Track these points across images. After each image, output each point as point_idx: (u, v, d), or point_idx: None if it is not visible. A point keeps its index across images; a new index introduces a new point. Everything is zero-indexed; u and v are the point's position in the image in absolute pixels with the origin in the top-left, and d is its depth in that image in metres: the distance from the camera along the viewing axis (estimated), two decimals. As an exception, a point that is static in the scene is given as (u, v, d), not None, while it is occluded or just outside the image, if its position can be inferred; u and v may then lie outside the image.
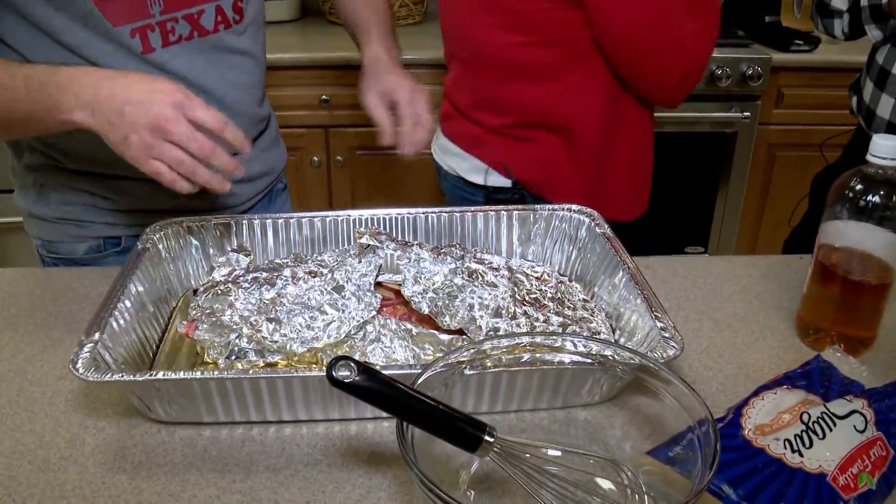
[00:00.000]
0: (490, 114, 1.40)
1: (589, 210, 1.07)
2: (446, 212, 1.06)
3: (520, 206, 1.08)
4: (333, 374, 0.61)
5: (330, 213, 1.05)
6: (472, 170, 1.46)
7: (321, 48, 2.40)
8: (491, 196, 1.45)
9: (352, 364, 0.61)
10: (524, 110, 1.37)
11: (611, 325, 0.92)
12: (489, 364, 0.73)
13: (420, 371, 0.68)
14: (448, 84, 1.54)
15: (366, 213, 1.05)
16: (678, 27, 1.22)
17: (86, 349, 0.74)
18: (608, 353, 0.73)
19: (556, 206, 1.07)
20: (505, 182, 1.42)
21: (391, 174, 2.49)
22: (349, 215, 1.05)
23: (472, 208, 1.07)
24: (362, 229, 0.98)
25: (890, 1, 1.29)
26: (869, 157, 0.90)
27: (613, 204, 1.39)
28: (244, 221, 1.04)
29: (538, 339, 0.75)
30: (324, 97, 2.36)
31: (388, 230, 1.04)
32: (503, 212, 1.07)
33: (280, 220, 1.04)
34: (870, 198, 0.90)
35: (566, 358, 0.75)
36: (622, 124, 1.36)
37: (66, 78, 0.87)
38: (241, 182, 1.22)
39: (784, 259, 1.18)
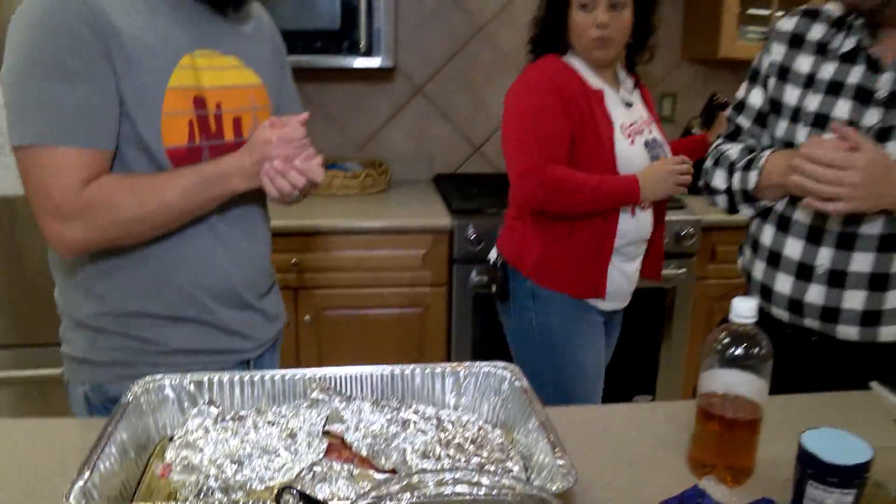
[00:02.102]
0: None
1: (512, 366, 1.25)
2: (387, 370, 1.24)
3: (452, 364, 1.26)
4: (280, 501, 0.77)
5: (288, 371, 1.22)
6: None
7: (292, 216, 2.63)
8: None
9: (295, 491, 0.77)
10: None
11: (524, 465, 1.09)
12: (413, 495, 0.89)
13: (354, 499, 0.84)
14: None
15: (318, 371, 1.22)
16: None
17: (77, 486, 0.90)
18: (516, 487, 0.89)
19: (484, 364, 1.26)
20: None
21: (356, 332, 2.67)
22: (304, 374, 1.22)
23: (411, 367, 1.25)
24: (314, 385, 1.15)
25: (755, 188, 1.53)
26: (731, 318, 1.10)
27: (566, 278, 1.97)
28: (215, 378, 1.21)
29: (457, 475, 0.91)
30: (294, 261, 2.57)
31: (337, 386, 1.21)
32: (437, 368, 1.25)
33: (245, 378, 1.21)
34: (734, 350, 1.10)
35: (480, 491, 0.91)
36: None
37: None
38: (263, 320, 1.53)
39: (683, 404, 1.35)
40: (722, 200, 1.62)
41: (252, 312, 1.50)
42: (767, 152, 1.51)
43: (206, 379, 1.20)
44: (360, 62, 2.69)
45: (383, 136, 3.17)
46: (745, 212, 1.60)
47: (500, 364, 1.26)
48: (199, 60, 1.34)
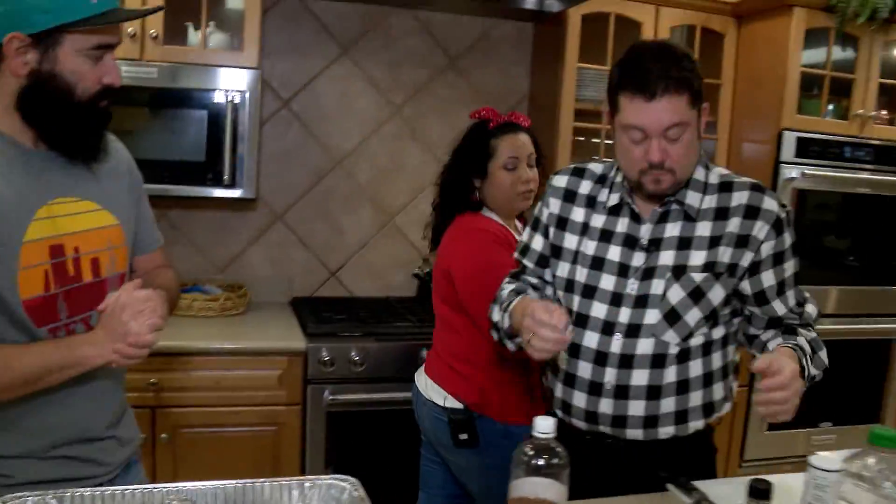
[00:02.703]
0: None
1: (352, 479, 1.43)
2: (240, 484, 1.39)
3: (298, 477, 1.43)
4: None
5: (148, 486, 1.35)
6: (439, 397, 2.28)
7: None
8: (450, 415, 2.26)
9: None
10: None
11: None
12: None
13: None
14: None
15: (176, 485, 1.36)
16: None
17: None
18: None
19: (326, 477, 1.43)
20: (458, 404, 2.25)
21: (213, 450, 2.75)
22: (163, 488, 1.35)
23: (261, 480, 1.41)
24: (172, 497, 1.29)
25: (510, 328, 1.77)
26: (534, 433, 1.33)
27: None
28: (77, 494, 1.32)
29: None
30: (152, 380, 2.66)
31: (194, 499, 1.35)
32: (284, 481, 1.41)
33: (108, 493, 1.33)
34: (537, 461, 1.32)
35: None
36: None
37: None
38: (116, 445, 1.62)
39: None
40: (495, 334, 1.87)
41: (106, 441, 1.60)
42: (518, 298, 1.76)
43: (68, 495, 1.31)
44: (224, 193, 2.88)
45: (244, 260, 3.33)
46: (510, 346, 1.83)
47: (341, 477, 1.44)
48: (55, 208, 1.47)
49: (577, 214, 1.79)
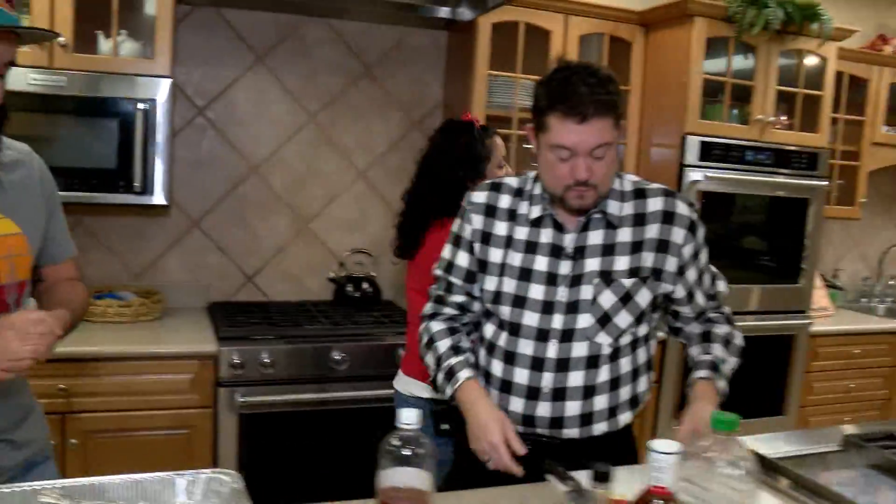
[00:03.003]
0: None
1: (232, 472, 1.48)
2: (124, 479, 1.42)
3: (180, 472, 1.47)
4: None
5: (24, 484, 1.38)
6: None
7: (62, 343, 2.74)
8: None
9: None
10: None
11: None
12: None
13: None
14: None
15: (54, 483, 1.39)
16: None
17: None
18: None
19: (209, 471, 1.47)
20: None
21: (124, 455, 2.76)
22: (43, 485, 1.38)
23: (144, 475, 1.44)
24: (46, 493, 1.33)
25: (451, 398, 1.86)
26: (397, 424, 1.39)
27: None
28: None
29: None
30: (61, 386, 2.66)
31: (75, 495, 1.39)
32: (167, 475, 1.46)
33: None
34: (403, 451, 1.38)
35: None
36: None
37: None
38: (9, 448, 1.63)
39: None
40: (432, 381, 1.94)
41: None
42: (463, 376, 1.81)
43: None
44: (136, 199, 2.89)
45: (160, 266, 3.35)
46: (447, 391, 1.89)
47: (222, 471, 1.48)
48: None
49: (500, 228, 1.84)
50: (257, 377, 2.83)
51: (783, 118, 3.66)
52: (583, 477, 1.47)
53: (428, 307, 1.99)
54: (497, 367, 1.84)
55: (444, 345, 1.90)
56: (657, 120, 3.51)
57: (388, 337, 3.03)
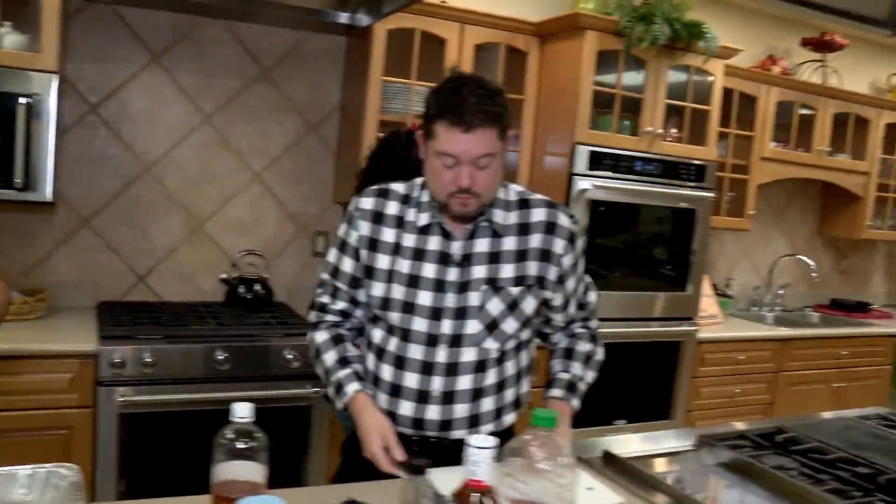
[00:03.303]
0: None
1: (72, 466, 1.48)
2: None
3: (20, 467, 1.47)
4: None
5: None
6: None
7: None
8: None
9: None
10: None
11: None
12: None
13: None
14: None
15: None
16: None
17: None
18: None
19: (50, 465, 1.47)
20: None
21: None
22: None
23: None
24: None
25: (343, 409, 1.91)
26: (232, 418, 1.41)
27: None
28: None
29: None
30: None
31: None
32: (5, 470, 1.45)
33: None
34: (237, 444, 1.41)
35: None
36: None
37: None
38: None
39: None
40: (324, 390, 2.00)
41: None
42: (351, 391, 1.86)
43: None
44: (18, 196, 2.84)
45: (49, 265, 3.29)
46: (338, 404, 1.92)
47: (63, 465, 1.49)
48: None
49: (388, 235, 1.87)
50: (139, 377, 2.80)
51: (673, 131, 3.78)
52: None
53: (312, 315, 2.01)
54: (387, 372, 1.88)
55: (330, 357, 1.93)
56: (550, 129, 3.60)
57: (274, 339, 3.03)
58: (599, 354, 2.04)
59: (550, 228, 1.87)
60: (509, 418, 1.93)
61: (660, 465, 2.03)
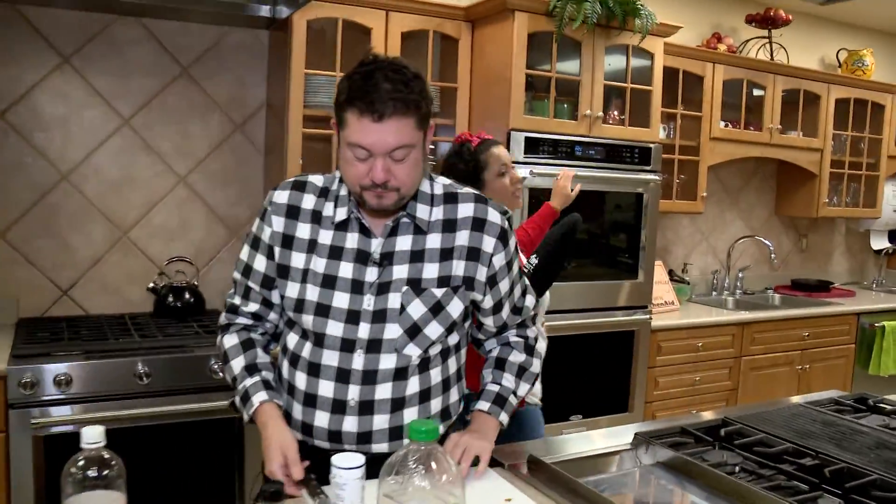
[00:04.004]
0: None
1: None
2: None
3: None
4: None
5: None
6: None
7: None
8: None
9: None
10: None
11: None
12: None
13: None
14: None
15: None
16: None
17: None
18: None
19: None
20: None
21: None
22: None
23: None
24: None
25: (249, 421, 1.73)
26: (83, 445, 1.26)
27: None
28: None
29: None
30: None
31: None
32: None
33: None
34: (90, 473, 1.26)
35: None
36: None
37: None
38: None
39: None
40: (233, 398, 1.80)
41: None
42: (257, 401, 1.69)
43: None
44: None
45: (-37, 283, 3.13)
46: (245, 416, 1.74)
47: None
48: None
49: (303, 231, 1.71)
50: (55, 396, 2.64)
51: (615, 113, 3.66)
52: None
53: (222, 318, 1.85)
54: (301, 380, 1.72)
55: (238, 364, 1.77)
56: (486, 117, 3.47)
57: (200, 349, 2.87)
58: (535, 366, 1.90)
59: (479, 225, 1.72)
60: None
61: (593, 468, 1.86)
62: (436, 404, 1.76)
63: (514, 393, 1.84)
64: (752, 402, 4.11)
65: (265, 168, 3.55)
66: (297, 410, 1.73)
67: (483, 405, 1.80)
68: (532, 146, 3.36)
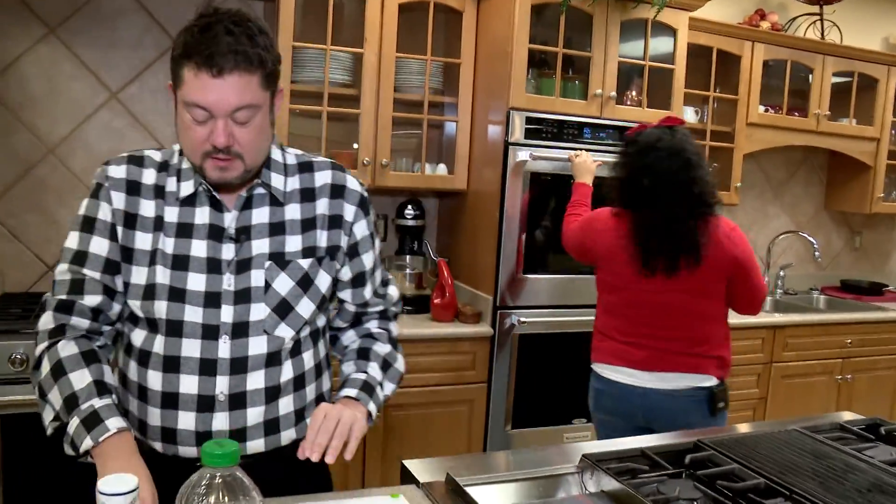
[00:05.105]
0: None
1: None
2: None
3: None
4: None
5: None
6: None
7: None
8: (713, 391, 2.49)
9: None
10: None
11: None
12: None
13: None
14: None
15: None
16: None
17: None
18: None
19: None
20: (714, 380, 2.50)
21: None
22: None
23: None
24: None
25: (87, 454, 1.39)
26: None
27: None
28: None
29: None
30: None
31: None
32: None
33: None
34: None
35: None
36: None
37: None
38: None
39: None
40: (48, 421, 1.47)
41: None
42: (114, 426, 1.37)
43: None
44: None
45: (-52, 256, 3.09)
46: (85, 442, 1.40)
47: None
48: None
49: (147, 208, 1.53)
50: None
51: (633, 94, 3.39)
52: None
53: (47, 319, 1.51)
54: (156, 379, 1.51)
55: (81, 379, 1.44)
56: (488, 95, 3.24)
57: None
58: (400, 364, 1.73)
59: (338, 192, 1.61)
60: None
61: (525, 494, 1.61)
62: (311, 391, 1.62)
63: (381, 385, 1.65)
64: (783, 412, 3.81)
65: (259, 146, 3.40)
66: (155, 415, 1.52)
67: (350, 391, 1.59)
68: (534, 127, 3.11)
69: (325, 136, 3.11)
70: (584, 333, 3.30)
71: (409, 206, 3.44)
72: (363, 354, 1.69)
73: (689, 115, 3.77)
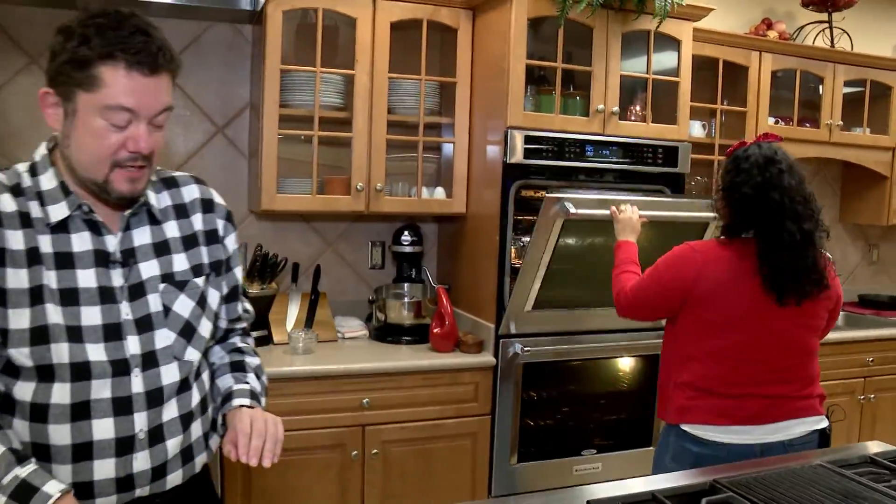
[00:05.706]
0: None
1: None
2: None
3: None
4: None
5: None
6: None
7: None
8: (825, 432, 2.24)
9: None
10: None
11: None
12: None
13: None
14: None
15: None
16: None
17: None
18: None
19: None
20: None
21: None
22: None
23: None
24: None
25: None
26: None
27: None
28: None
29: None
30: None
31: None
32: None
33: None
34: None
35: None
36: None
37: None
38: None
39: None
40: None
41: None
42: (56, 490, 1.26)
43: None
44: None
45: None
46: None
47: None
48: None
49: (15, 241, 1.35)
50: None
51: (636, 109, 3.26)
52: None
53: None
54: (62, 434, 1.36)
55: None
56: (486, 114, 3.11)
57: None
58: (265, 378, 1.70)
59: (208, 206, 1.60)
60: (214, 442, 1.59)
61: None
62: (211, 412, 1.58)
63: (261, 397, 1.62)
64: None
65: (249, 174, 3.28)
66: (64, 473, 1.36)
67: (243, 401, 1.54)
68: (533, 146, 2.98)
69: (317, 161, 2.99)
70: (592, 360, 3.18)
71: (406, 232, 3.31)
72: (238, 367, 1.64)
73: (696, 130, 3.63)
